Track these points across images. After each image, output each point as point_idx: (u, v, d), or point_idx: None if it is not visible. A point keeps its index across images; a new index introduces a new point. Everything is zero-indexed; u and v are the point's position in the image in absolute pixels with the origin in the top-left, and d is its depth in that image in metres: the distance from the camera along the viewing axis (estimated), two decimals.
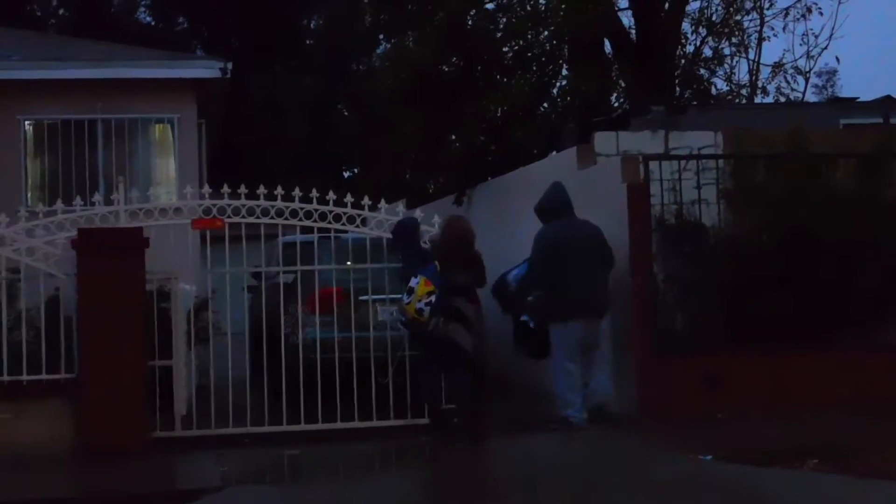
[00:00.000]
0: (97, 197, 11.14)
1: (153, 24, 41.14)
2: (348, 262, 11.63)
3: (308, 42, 42.34)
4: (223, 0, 37.91)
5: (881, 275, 11.48)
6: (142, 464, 9.97)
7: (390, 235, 11.23)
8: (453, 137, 18.85)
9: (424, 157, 19.11)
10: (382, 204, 11.37)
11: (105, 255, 10.46)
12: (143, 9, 41.99)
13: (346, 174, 40.61)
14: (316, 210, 11.14)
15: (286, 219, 11.19)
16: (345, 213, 11.17)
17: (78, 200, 11.10)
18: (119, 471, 9.75)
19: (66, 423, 10.38)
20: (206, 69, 16.94)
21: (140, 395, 10.39)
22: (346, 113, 40.53)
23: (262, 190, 11.02)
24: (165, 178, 16.78)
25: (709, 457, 9.26)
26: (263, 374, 11.28)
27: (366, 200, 11.22)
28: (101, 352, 10.32)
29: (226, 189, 11.06)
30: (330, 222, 11.17)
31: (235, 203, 11.02)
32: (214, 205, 11.25)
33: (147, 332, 10.58)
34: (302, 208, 11.12)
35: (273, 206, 11.03)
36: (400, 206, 11.52)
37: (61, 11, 41.11)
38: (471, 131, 18.00)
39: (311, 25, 43.20)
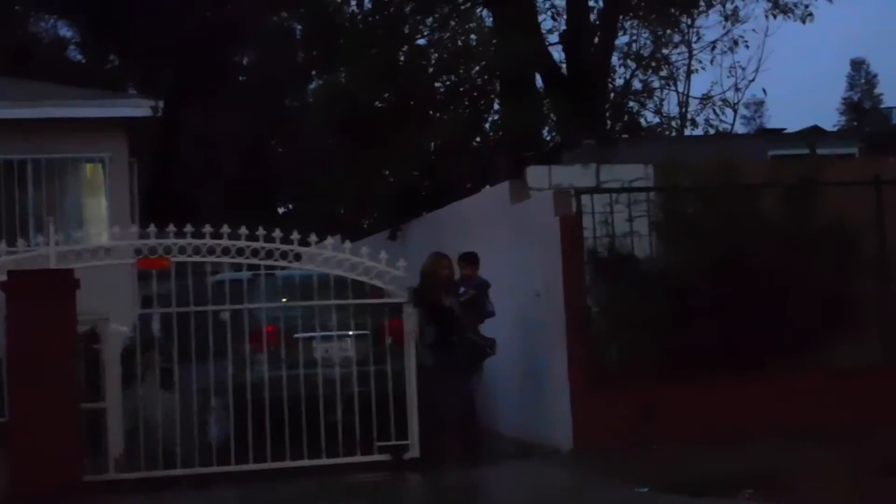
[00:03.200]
0: (20, 243, 10.94)
1: (84, 62, 40.77)
2: (283, 300, 11.56)
3: (241, 78, 42.20)
4: (155, 37, 37.67)
5: (811, 302, 11.63)
6: None
7: (323, 271, 11.19)
8: (387, 172, 18.87)
9: (358, 192, 19.11)
10: (312, 238, 11.26)
11: (35, 297, 10.29)
12: (73, 47, 41.63)
13: (281, 210, 40.50)
14: (248, 247, 11.01)
15: (218, 256, 11.03)
16: (277, 250, 11.08)
17: (3, 244, 10.92)
18: None
19: None
20: (136, 108, 16.82)
21: (71, 439, 10.20)
22: (280, 149, 40.44)
23: (188, 228, 10.84)
24: (96, 218, 16.60)
25: (645, 488, 9.31)
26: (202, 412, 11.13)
27: (295, 235, 11.10)
28: (30, 395, 10.12)
29: (152, 228, 10.85)
30: (262, 258, 11.06)
31: (167, 242, 10.88)
32: (145, 244, 11.06)
33: (78, 374, 10.42)
34: (233, 245, 10.98)
35: (205, 245, 10.90)
36: (329, 240, 11.38)
37: None
38: (404, 166, 18.05)
39: (244, 62, 43.08)
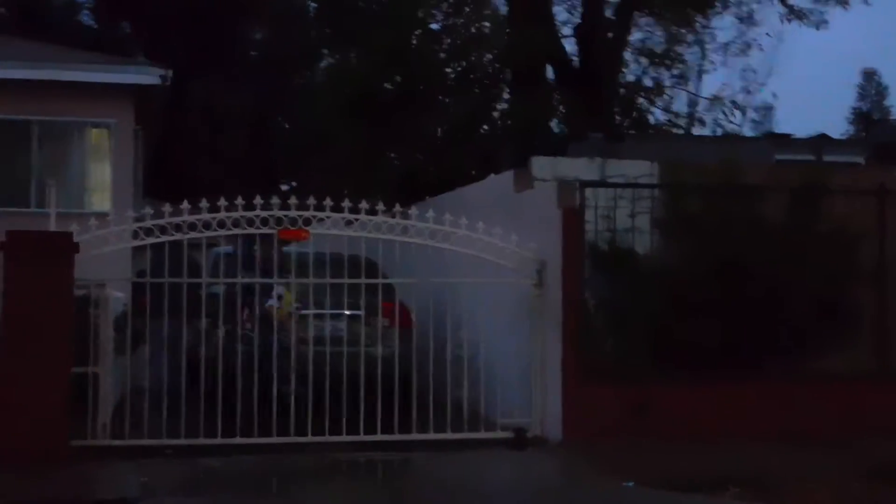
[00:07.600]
0: None
1: (95, 27, 40.70)
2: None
3: (252, 53, 42.17)
4: (167, 7, 37.65)
5: (808, 306, 11.64)
6: (61, 472, 9.76)
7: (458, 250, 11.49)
8: (392, 155, 18.87)
9: (362, 173, 19.11)
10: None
11: (33, 258, 10.28)
12: (85, 12, 41.59)
13: (285, 187, 40.49)
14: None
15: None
16: (428, 229, 11.39)
17: None
18: (37, 479, 9.53)
19: None
20: (145, 75, 16.79)
21: (62, 402, 10.18)
22: (286, 126, 40.43)
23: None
24: (100, 184, 16.58)
25: (631, 483, 9.31)
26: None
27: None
28: (23, 356, 10.11)
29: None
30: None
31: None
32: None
33: (73, 338, 10.41)
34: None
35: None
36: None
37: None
38: (409, 150, 18.05)
39: (256, 36, 43.03)
